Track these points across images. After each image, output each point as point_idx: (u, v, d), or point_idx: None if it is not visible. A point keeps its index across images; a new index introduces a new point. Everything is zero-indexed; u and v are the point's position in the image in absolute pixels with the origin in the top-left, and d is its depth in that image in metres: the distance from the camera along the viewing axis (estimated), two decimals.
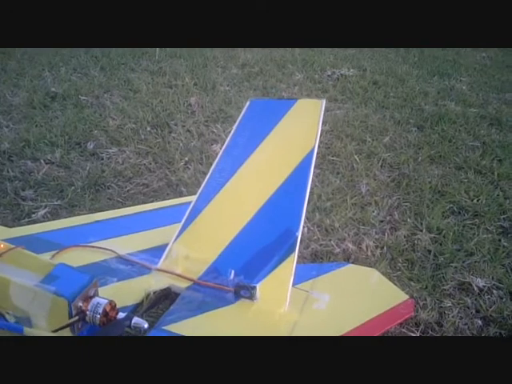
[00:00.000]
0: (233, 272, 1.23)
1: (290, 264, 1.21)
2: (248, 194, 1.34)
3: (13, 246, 1.18)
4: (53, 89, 2.49)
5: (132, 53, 3.17)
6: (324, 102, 1.36)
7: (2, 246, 1.22)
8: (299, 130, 1.35)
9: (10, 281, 1.06)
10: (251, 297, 1.19)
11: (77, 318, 1.05)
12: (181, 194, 1.70)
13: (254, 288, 1.19)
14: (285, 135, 1.36)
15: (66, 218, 1.51)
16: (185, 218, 1.33)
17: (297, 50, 3.60)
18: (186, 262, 1.29)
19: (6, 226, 1.45)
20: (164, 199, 1.66)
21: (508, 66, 3.84)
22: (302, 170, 1.29)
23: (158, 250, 1.34)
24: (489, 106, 2.81)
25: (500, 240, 1.59)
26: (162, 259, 1.30)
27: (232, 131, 1.41)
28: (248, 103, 1.44)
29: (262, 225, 1.27)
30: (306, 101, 1.45)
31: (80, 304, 1.05)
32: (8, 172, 1.74)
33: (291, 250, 1.22)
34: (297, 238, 1.22)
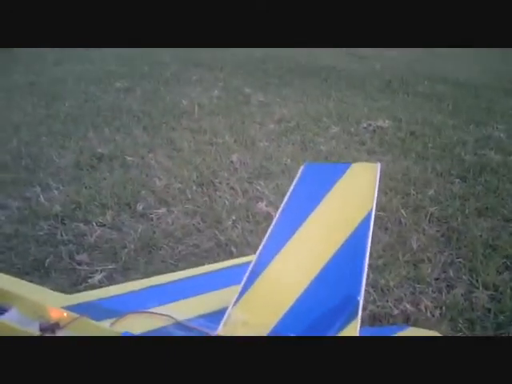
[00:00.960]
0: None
1: (353, 330, 1.18)
2: (306, 258, 1.33)
3: (76, 316, 1.19)
4: (99, 150, 2.57)
5: (172, 112, 3.27)
6: (379, 165, 1.37)
7: (65, 315, 1.24)
8: (356, 193, 1.36)
9: None
10: None
11: None
12: (231, 254, 1.70)
13: None
14: (341, 198, 1.36)
15: (121, 282, 1.53)
16: (244, 281, 1.33)
17: (331, 102, 3.66)
18: (246, 328, 1.28)
19: (62, 291, 1.47)
20: (215, 259, 1.66)
21: None
22: (360, 232, 1.29)
23: (216, 315, 1.33)
24: None
25: None
26: (221, 324, 1.29)
27: (288, 194, 1.43)
28: (303, 167, 1.46)
29: (321, 289, 1.26)
30: (361, 164, 1.46)
31: None
32: (62, 236, 1.78)
33: (353, 315, 1.20)
34: (358, 302, 1.21)
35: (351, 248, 1.28)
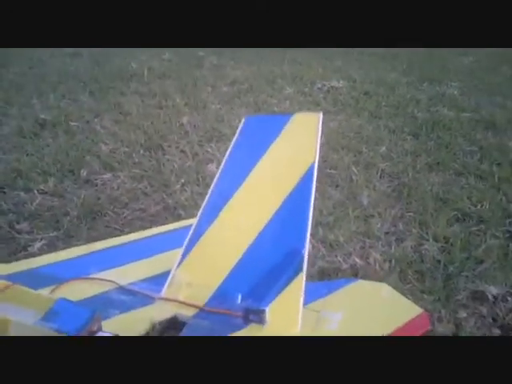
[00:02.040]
0: (240, 296, 1.19)
1: (299, 284, 1.17)
2: (249, 214, 1.30)
3: (9, 284, 1.13)
4: (42, 116, 2.45)
5: (120, 76, 3.15)
6: (321, 115, 1.33)
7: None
8: (298, 145, 1.32)
9: (9, 320, 1.01)
10: (261, 321, 1.15)
11: None
12: (179, 218, 1.66)
13: (264, 311, 1.15)
14: (283, 151, 1.32)
15: (63, 249, 1.46)
16: (186, 242, 1.29)
17: (285, 64, 3.60)
18: (190, 289, 1.24)
19: (1, 261, 1.40)
20: (162, 224, 1.61)
21: (494, 69, 3.86)
22: (303, 185, 1.26)
23: (160, 278, 1.29)
24: (482, 109, 2.80)
25: (508, 245, 1.56)
26: (165, 287, 1.25)
27: (228, 150, 1.38)
28: (243, 120, 1.41)
29: (266, 245, 1.23)
30: (302, 115, 1.42)
31: None
32: (1, 205, 1.69)
33: (299, 269, 1.18)
34: (303, 256, 1.19)
35: (294, 202, 1.25)
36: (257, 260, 1.23)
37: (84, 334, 1.02)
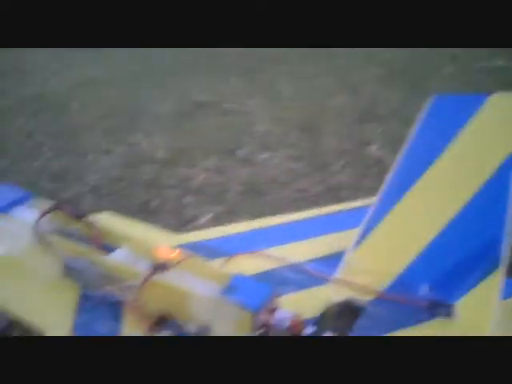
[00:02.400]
0: (425, 287, 1.08)
1: (496, 280, 1.03)
2: (438, 199, 1.18)
3: (190, 254, 1.14)
4: (199, 98, 2.52)
5: (270, 58, 3.15)
6: None
7: (175, 253, 1.19)
8: (496, 130, 1.17)
9: (190, 292, 1.01)
10: (450, 315, 1.03)
11: (261, 331, 0.97)
12: (341, 199, 1.58)
13: (453, 306, 1.04)
14: (478, 135, 1.19)
15: (228, 224, 1.47)
16: (364, 224, 1.21)
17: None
18: (368, 273, 1.16)
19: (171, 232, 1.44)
20: (324, 204, 1.55)
21: None
22: (501, 174, 1.11)
23: (331, 259, 1.23)
24: None
25: None
26: (339, 269, 1.19)
27: (413, 131, 1.27)
28: (431, 100, 1.29)
29: (456, 235, 1.11)
30: (501, 95, 1.26)
31: (264, 317, 0.98)
32: (166, 180, 1.76)
33: (495, 263, 1.04)
34: (501, 249, 1.05)
35: (491, 190, 1.10)
36: (445, 249, 1.11)
37: (264, 310, 0.99)
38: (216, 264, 1.24)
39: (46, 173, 1.85)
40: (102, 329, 1.00)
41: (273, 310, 1.00)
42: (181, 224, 1.50)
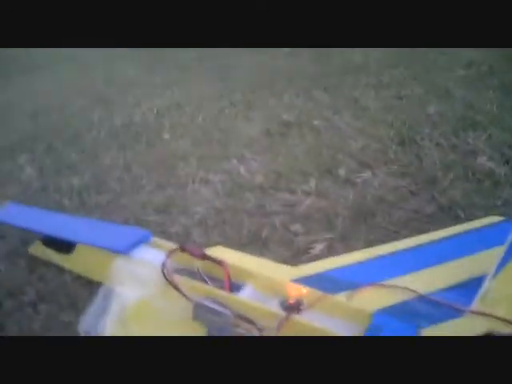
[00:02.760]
0: None
1: None
2: None
3: (321, 294, 1.12)
4: (284, 116, 2.51)
5: (346, 70, 3.10)
6: None
7: (304, 291, 1.18)
8: None
9: (332, 333, 0.99)
10: None
11: None
12: (457, 219, 1.51)
13: None
14: None
15: (342, 252, 1.44)
16: (506, 247, 1.14)
17: None
18: (510, 303, 1.10)
19: (284, 263, 1.42)
20: (440, 225, 1.49)
21: None
22: None
23: (464, 288, 1.17)
24: None
25: None
26: (476, 298, 1.13)
27: None
28: None
29: None
30: None
31: None
32: (270, 206, 1.75)
33: None
34: None
35: None
36: None
37: None
38: (342, 298, 1.21)
39: (150, 207, 1.89)
40: None
41: None
42: (293, 254, 1.48)
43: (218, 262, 1.28)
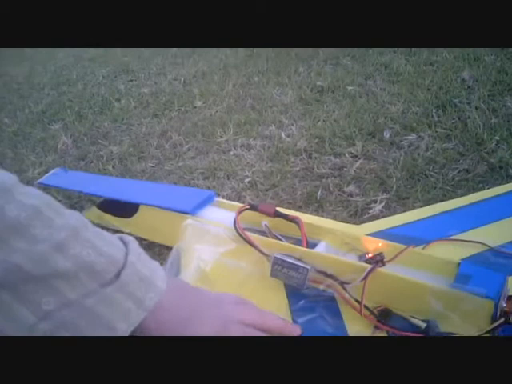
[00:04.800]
0: None
1: None
2: None
3: (404, 247, 1.15)
4: (318, 83, 2.52)
5: None
6: None
7: (380, 245, 1.20)
8: None
9: (419, 283, 1.02)
10: None
11: (503, 319, 0.97)
12: (510, 178, 1.54)
13: None
14: None
15: (401, 211, 1.47)
16: None
17: None
18: None
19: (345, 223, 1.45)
20: (493, 184, 1.52)
21: None
22: None
23: None
24: None
25: None
26: None
27: None
28: None
29: None
30: None
31: (503, 304, 0.98)
32: (319, 169, 1.77)
33: None
34: None
35: None
36: None
37: (502, 298, 0.99)
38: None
39: (196, 172, 1.91)
40: (326, 327, 1.01)
41: (510, 297, 1.00)
42: (351, 215, 1.51)
43: (292, 219, 1.29)
